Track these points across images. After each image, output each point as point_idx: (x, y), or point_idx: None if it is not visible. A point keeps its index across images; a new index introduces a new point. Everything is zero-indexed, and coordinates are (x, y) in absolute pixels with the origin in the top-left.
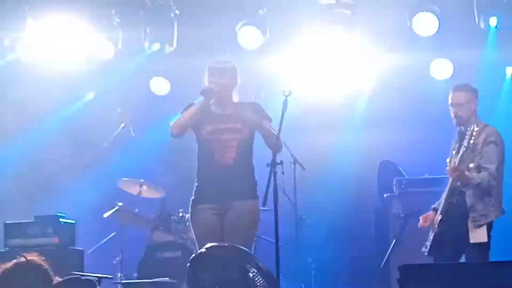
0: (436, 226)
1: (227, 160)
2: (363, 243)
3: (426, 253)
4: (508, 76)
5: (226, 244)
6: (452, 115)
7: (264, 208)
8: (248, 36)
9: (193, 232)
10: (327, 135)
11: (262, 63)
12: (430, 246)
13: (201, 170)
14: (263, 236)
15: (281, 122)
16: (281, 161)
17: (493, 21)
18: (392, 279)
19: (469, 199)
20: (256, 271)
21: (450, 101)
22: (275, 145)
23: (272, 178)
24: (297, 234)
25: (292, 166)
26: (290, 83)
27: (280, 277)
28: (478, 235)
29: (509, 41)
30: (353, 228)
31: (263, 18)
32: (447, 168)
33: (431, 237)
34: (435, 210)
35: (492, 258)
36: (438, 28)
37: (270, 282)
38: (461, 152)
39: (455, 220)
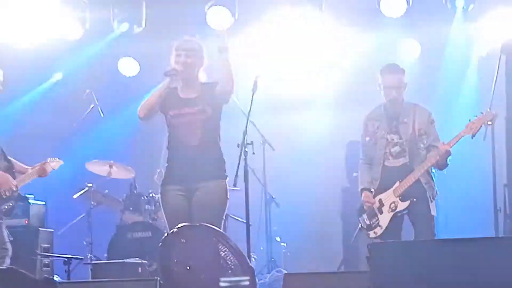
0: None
1: (193, 141)
2: (331, 221)
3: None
4: (473, 57)
5: (198, 224)
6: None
7: (234, 188)
8: (217, 16)
9: (163, 213)
10: (295, 116)
11: (230, 44)
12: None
13: (169, 153)
14: (234, 216)
15: (251, 104)
16: (251, 142)
17: (460, 2)
18: (360, 256)
19: (423, 177)
20: (227, 250)
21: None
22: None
23: (242, 158)
24: (267, 213)
25: (262, 146)
26: (259, 64)
27: (251, 256)
28: (433, 209)
29: (476, 22)
30: (322, 207)
31: None
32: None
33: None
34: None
35: None
36: (406, 9)
37: (241, 260)
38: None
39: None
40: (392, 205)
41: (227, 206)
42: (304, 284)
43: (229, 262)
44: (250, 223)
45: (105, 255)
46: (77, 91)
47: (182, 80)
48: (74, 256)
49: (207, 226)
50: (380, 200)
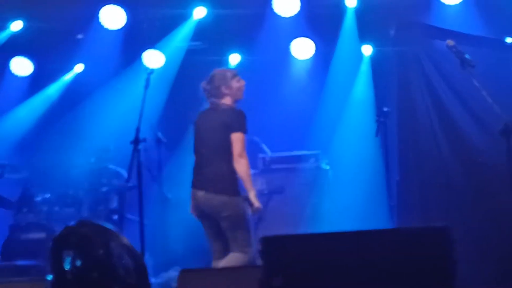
0: None
1: None
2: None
3: None
4: (365, 55)
5: (89, 221)
6: None
7: (128, 185)
8: (111, 16)
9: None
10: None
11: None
12: None
13: None
14: (129, 215)
15: (143, 100)
16: (145, 139)
17: (351, 1)
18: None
19: None
20: (120, 248)
21: None
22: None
23: (135, 155)
24: (163, 212)
25: (157, 144)
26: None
27: (146, 255)
28: None
29: (367, 20)
30: None
31: None
32: None
33: None
34: None
35: None
36: (300, 8)
37: (135, 259)
38: None
39: None
40: None
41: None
42: (199, 279)
43: (122, 260)
44: (146, 222)
45: None
46: None
47: (236, 102)
48: None
49: (99, 224)
50: None
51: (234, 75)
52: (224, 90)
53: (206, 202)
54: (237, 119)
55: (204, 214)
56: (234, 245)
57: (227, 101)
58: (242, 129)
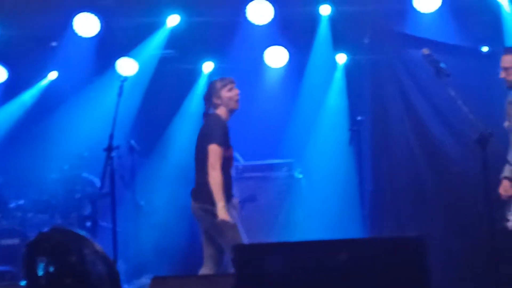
0: None
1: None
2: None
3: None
4: (339, 63)
5: (63, 228)
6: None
7: (102, 192)
8: (85, 24)
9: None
10: (164, 120)
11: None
12: None
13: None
14: (102, 222)
15: (116, 107)
16: (118, 146)
17: (325, 10)
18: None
19: None
20: (93, 254)
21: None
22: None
23: (108, 163)
24: (136, 219)
25: (130, 151)
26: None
27: (119, 261)
28: None
29: (341, 28)
30: (190, 214)
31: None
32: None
33: None
34: (507, 178)
35: None
36: (273, 16)
37: (107, 265)
38: None
39: None
40: None
41: None
42: (171, 286)
43: (95, 266)
44: (119, 229)
45: None
46: None
47: (231, 113)
48: None
49: (73, 230)
50: None
51: (224, 85)
52: (215, 100)
53: (193, 210)
54: (213, 130)
55: (197, 221)
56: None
57: (221, 111)
58: (218, 140)
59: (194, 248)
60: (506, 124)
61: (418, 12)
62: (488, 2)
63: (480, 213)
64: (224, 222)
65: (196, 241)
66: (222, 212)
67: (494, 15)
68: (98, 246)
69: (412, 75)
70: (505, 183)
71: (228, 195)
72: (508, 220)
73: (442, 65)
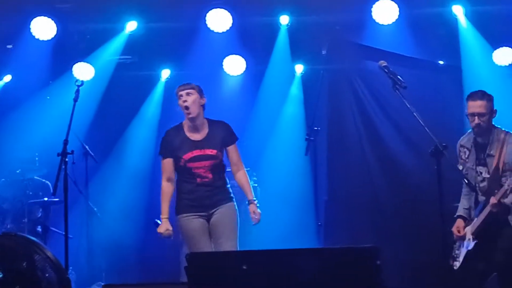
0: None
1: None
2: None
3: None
4: (297, 73)
5: (14, 234)
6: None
7: (54, 199)
8: (42, 27)
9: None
10: (120, 126)
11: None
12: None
13: (182, 187)
14: (54, 228)
15: (72, 112)
16: (72, 151)
17: (284, 19)
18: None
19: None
20: (44, 261)
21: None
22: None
23: (62, 168)
24: (88, 226)
25: (84, 157)
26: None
27: (70, 268)
28: None
29: (300, 38)
30: (151, 221)
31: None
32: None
33: (463, 254)
34: (462, 217)
35: None
36: (232, 24)
37: (58, 272)
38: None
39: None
40: None
41: (238, 221)
42: None
43: (46, 273)
44: (71, 236)
45: None
46: None
47: (190, 120)
48: None
49: (23, 236)
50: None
51: (176, 93)
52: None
53: None
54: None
55: None
56: None
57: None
58: (159, 152)
59: (146, 256)
60: (459, 167)
61: (377, 24)
62: (445, 16)
63: (434, 224)
64: (163, 236)
65: (148, 249)
66: (164, 223)
67: (451, 29)
68: (49, 253)
69: (369, 86)
70: (458, 223)
71: (193, 205)
72: (455, 260)
73: (399, 77)
